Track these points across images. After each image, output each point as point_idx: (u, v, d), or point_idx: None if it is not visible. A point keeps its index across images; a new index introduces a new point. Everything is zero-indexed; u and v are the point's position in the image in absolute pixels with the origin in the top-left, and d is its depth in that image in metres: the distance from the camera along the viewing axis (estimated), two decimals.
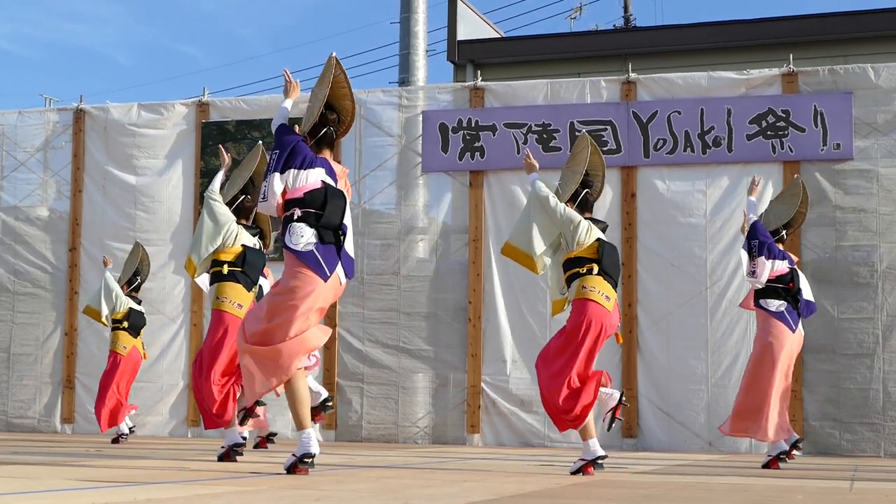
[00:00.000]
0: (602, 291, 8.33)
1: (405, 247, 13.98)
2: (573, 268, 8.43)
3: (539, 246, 8.54)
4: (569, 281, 8.48)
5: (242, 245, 9.46)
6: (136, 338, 12.93)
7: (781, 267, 9.88)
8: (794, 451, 9.96)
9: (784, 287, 9.87)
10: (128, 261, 13.13)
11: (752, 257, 9.93)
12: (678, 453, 12.30)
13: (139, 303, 13.01)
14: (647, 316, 13.15)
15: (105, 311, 12.72)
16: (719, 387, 12.78)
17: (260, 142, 10.48)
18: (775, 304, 9.89)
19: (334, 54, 7.42)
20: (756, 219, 10.16)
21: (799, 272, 10.04)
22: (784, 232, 10.17)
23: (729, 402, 12.63)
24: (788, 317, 9.85)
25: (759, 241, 9.89)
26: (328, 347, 13.88)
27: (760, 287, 9.93)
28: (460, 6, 20.67)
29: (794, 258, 10.27)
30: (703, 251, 13.01)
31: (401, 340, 13.88)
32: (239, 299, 9.45)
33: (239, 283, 9.51)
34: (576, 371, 8.26)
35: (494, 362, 13.52)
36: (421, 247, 14.00)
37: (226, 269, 9.50)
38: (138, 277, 12.99)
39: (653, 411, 13.02)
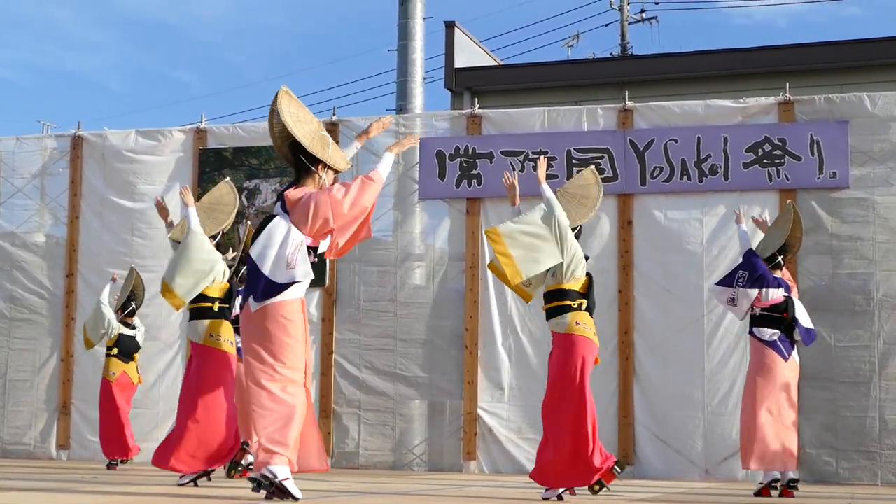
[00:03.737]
0: (591, 328, 8.41)
1: (402, 273, 13.98)
2: (563, 300, 8.39)
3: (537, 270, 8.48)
4: (556, 312, 8.45)
5: (228, 281, 9.53)
6: (127, 363, 12.96)
7: (776, 296, 9.90)
8: (791, 489, 9.89)
9: (778, 316, 9.89)
10: (123, 286, 13.17)
11: (735, 286, 9.96)
12: (675, 481, 12.28)
13: (133, 328, 13.04)
14: (644, 343, 13.14)
15: (94, 338, 12.85)
16: (716, 414, 12.76)
17: (227, 178, 10.67)
18: (768, 333, 9.92)
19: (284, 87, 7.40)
20: (750, 248, 10.20)
21: (795, 300, 10.05)
22: (780, 258, 10.19)
23: (725, 429, 12.64)
24: (781, 346, 9.87)
25: (748, 273, 9.92)
26: (324, 374, 13.87)
27: (754, 315, 9.98)
28: (458, 34, 20.74)
29: (792, 285, 10.28)
30: (700, 279, 13.01)
31: (397, 367, 13.86)
32: (231, 337, 9.52)
33: (227, 319, 9.56)
34: (591, 418, 8.30)
35: (491, 389, 13.50)
36: (418, 274, 14.00)
37: (217, 306, 9.56)
38: (133, 303, 13.02)
39: (649, 438, 13.00)
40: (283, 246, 7.11)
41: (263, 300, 7.10)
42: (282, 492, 6.92)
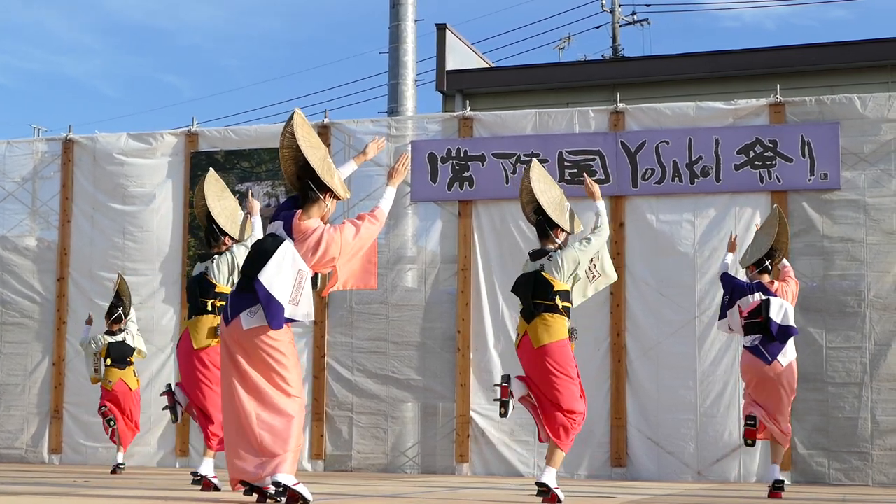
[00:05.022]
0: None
1: (394, 276, 13.97)
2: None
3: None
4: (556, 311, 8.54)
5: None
6: (123, 369, 12.97)
7: (752, 300, 10.08)
8: (778, 490, 10.04)
9: (758, 321, 10.02)
10: (114, 294, 13.18)
11: (724, 311, 10.25)
12: (667, 483, 12.29)
13: (120, 332, 13.02)
14: (637, 345, 13.15)
15: (90, 371, 12.99)
16: (708, 416, 12.76)
17: (211, 168, 10.66)
18: (749, 339, 10.07)
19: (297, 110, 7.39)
20: (725, 270, 10.43)
21: (773, 300, 10.10)
22: (768, 262, 10.33)
23: (718, 430, 12.65)
24: (763, 349, 9.98)
25: (728, 297, 10.19)
26: (317, 377, 13.87)
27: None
28: (449, 36, 20.76)
29: (787, 283, 10.34)
30: (692, 280, 13.02)
31: (389, 370, 13.85)
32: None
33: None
34: None
35: (483, 392, 13.49)
36: (410, 276, 14.00)
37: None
38: (119, 309, 13.00)
39: (642, 440, 13.00)
40: (293, 278, 7.10)
41: (262, 322, 7.09)
42: (295, 497, 6.96)
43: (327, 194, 7.34)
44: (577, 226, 8.89)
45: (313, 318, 7.38)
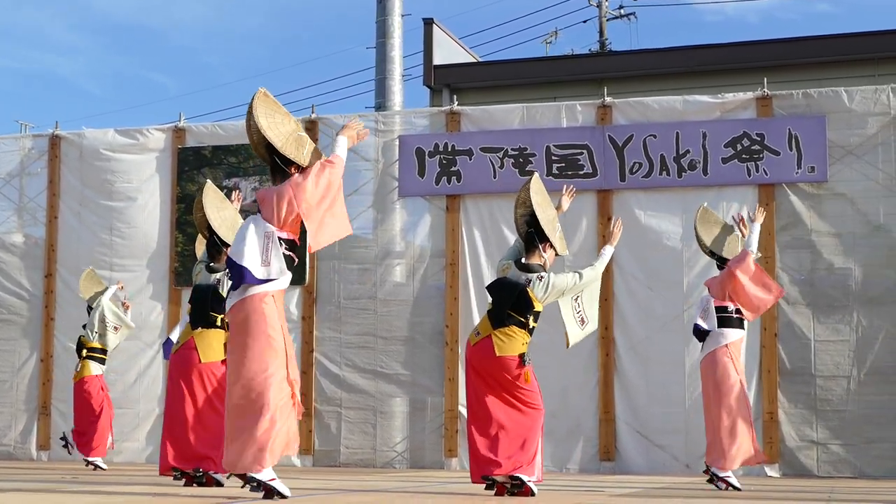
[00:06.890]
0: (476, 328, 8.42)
1: (382, 271, 13.97)
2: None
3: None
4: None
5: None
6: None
7: None
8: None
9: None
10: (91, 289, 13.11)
11: None
12: (656, 476, 12.31)
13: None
14: (625, 339, 13.16)
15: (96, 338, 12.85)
16: (697, 410, 12.75)
17: (208, 180, 10.48)
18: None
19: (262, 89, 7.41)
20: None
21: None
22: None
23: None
24: None
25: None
26: (305, 372, 13.85)
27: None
28: (436, 31, 20.72)
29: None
30: (680, 274, 13.03)
31: (378, 365, 13.85)
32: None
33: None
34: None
35: None
36: (398, 271, 13.99)
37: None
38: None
39: (630, 434, 13.02)
40: (255, 239, 7.18)
41: (242, 294, 7.16)
42: (270, 492, 6.94)
43: (293, 167, 7.40)
44: (563, 250, 8.80)
45: (289, 274, 7.35)
